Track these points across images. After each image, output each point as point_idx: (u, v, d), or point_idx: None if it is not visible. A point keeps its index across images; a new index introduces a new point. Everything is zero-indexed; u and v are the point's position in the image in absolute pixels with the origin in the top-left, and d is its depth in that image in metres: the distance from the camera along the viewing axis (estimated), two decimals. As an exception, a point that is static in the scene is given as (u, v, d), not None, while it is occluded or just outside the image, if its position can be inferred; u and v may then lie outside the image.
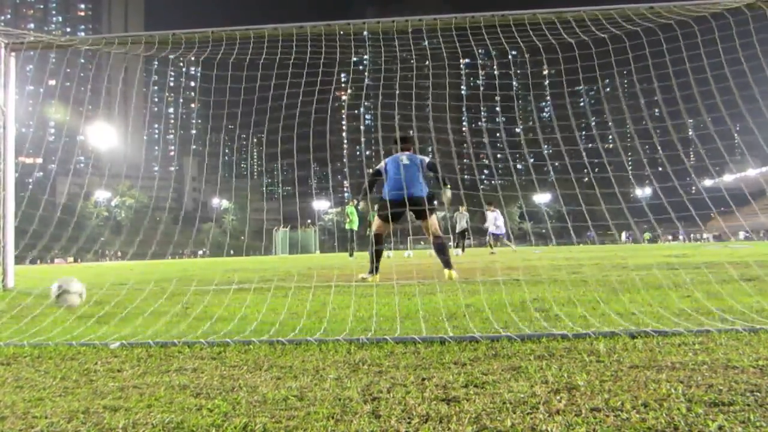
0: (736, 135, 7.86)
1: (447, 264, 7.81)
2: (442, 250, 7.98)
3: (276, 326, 3.57)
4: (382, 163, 8.22)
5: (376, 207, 8.43)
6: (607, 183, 6.93)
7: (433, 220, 7.90)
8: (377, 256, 8.01)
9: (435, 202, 8.12)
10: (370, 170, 8.43)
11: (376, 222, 8.17)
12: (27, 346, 3.15)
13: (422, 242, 51.88)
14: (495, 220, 22.90)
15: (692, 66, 6.56)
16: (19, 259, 8.52)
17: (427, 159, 8.17)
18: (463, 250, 23.68)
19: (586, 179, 7.36)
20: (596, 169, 7.17)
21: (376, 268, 7.91)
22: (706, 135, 6.64)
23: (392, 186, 7.88)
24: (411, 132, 8.17)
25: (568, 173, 7.06)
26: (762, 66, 6.32)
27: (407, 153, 8.23)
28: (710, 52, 6.45)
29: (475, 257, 16.96)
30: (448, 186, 8.15)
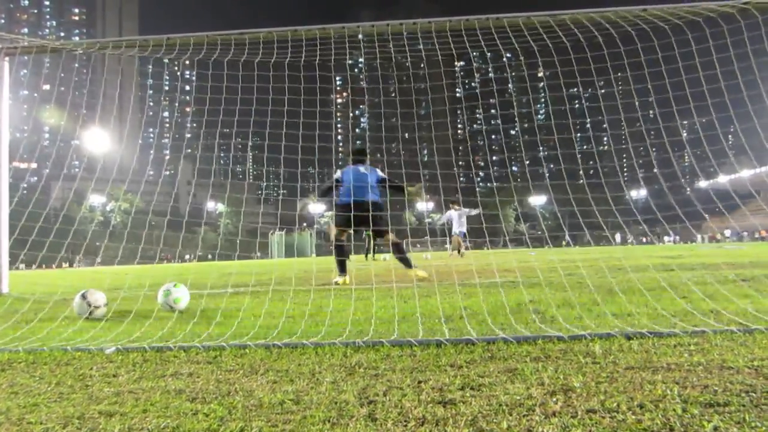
0: (730, 137, 7.90)
1: (407, 263, 7.96)
2: (399, 250, 8.13)
3: (275, 330, 3.56)
4: (339, 173, 8.43)
5: (332, 215, 8.59)
6: (602, 185, 6.96)
7: (388, 232, 8.10)
8: (341, 261, 8.10)
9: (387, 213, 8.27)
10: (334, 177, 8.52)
11: (334, 229, 8.30)
12: (22, 352, 3.14)
13: (418, 245, 51.93)
14: (459, 218, 22.82)
15: (686, 67, 6.59)
16: (12, 264, 8.49)
17: (379, 172, 8.37)
18: (460, 252, 23.70)
19: (581, 181, 7.38)
20: (591, 171, 7.19)
21: (343, 270, 7.98)
22: (706, 136, 6.67)
23: (348, 192, 8.06)
24: (367, 145, 8.41)
25: (563, 175, 7.08)
26: (754, 69, 6.36)
27: (363, 164, 8.46)
28: (704, 52, 6.48)
29: (473, 258, 16.96)
30: (405, 184, 8.32)
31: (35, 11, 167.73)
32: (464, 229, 22.70)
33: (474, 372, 2.34)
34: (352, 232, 8.44)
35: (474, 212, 22.13)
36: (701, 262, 9.85)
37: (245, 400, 2.05)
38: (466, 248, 23.45)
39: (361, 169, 8.30)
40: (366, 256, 20.99)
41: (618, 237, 53.56)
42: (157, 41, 7.30)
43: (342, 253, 8.19)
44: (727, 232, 61.78)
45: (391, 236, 8.08)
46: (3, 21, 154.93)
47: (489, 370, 2.36)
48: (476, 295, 5.26)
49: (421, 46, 7.85)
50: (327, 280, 8.18)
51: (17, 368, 2.80)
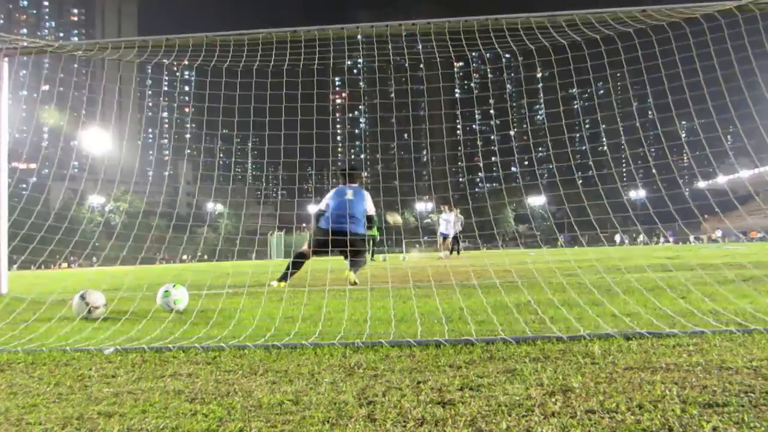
0: (729, 137, 7.90)
1: (354, 265, 7.97)
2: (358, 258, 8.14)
3: (271, 330, 3.56)
4: (326, 199, 8.40)
5: (313, 232, 8.52)
6: (600, 185, 6.96)
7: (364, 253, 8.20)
8: (294, 267, 8.11)
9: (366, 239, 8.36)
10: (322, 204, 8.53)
11: (306, 244, 8.38)
12: (21, 352, 3.14)
13: (416, 246, 51.92)
14: (447, 222, 22.94)
15: (684, 70, 6.59)
16: (11, 265, 8.48)
17: (369, 204, 8.42)
18: (458, 253, 23.75)
19: (581, 181, 7.38)
20: (590, 172, 7.19)
21: (287, 275, 7.94)
22: (705, 137, 6.67)
23: (329, 220, 8.09)
24: (359, 165, 8.47)
25: (562, 175, 7.08)
26: (753, 69, 6.37)
27: (354, 186, 8.46)
28: (702, 55, 6.49)
29: (470, 260, 16.97)
30: (390, 216, 8.38)
31: (34, 12, 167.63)
32: (450, 232, 22.81)
33: (473, 372, 2.34)
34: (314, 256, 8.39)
35: (453, 219, 22.38)
36: (700, 262, 9.85)
37: (244, 401, 2.05)
38: (456, 250, 23.56)
39: (348, 193, 8.27)
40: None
41: (618, 238, 53.59)
42: (156, 42, 7.30)
43: (297, 267, 8.18)
44: (718, 233, 61.86)
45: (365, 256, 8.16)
46: (2, 22, 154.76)
47: (488, 371, 2.36)
48: (475, 296, 5.26)
49: (420, 47, 7.86)
50: (325, 281, 8.18)
51: (16, 369, 2.79)
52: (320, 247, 7.93)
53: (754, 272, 6.52)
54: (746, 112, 6.22)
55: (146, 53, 7.44)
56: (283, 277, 7.92)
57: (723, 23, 6.40)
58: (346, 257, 7.85)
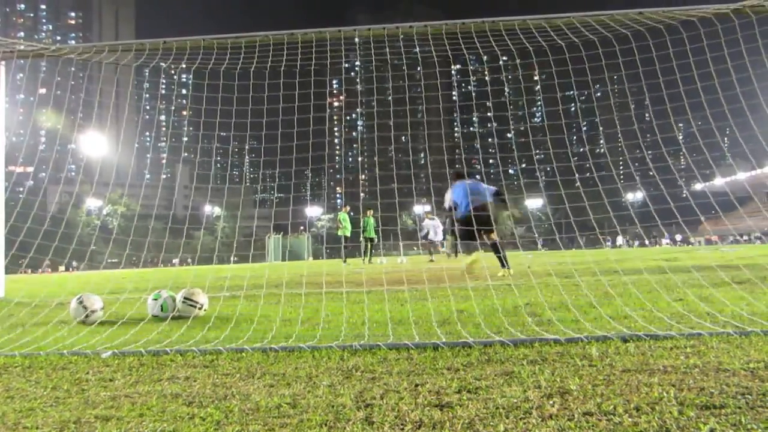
0: (726, 139, 7.92)
1: (502, 262, 8.61)
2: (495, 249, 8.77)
3: (270, 334, 3.56)
4: (449, 196, 8.95)
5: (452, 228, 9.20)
6: (598, 188, 6.96)
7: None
8: (501, 258, 8.73)
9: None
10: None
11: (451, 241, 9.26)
12: (18, 356, 3.13)
13: (414, 248, 51.89)
14: (435, 228, 23.24)
15: (680, 72, 6.61)
16: (9, 269, 8.46)
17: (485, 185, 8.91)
18: (456, 255, 23.74)
19: (578, 183, 7.39)
20: (587, 174, 7.21)
21: (502, 263, 8.66)
22: (703, 139, 6.68)
23: (463, 204, 8.60)
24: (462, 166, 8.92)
25: (560, 177, 7.08)
26: (749, 69, 6.39)
27: (468, 181, 8.93)
28: (699, 56, 6.51)
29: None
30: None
31: (31, 15, 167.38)
32: (440, 236, 23.21)
33: (471, 375, 2.34)
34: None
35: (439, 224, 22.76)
36: (696, 264, 9.86)
37: (242, 404, 2.05)
38: (455, 253, 23.75)
39: (468, 181, 8.81)
40: (363, 259, 21.00)
41: (619, 239, 53.70)
42: (153, 45, 7.29)
43: (499, 251, 8.75)
44: (701, 239, 62.05)
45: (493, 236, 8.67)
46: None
47: (486, 373, 2.36)
48: (471, 299, 5.26)
49: (417, 50, 7.87)
50: (322, 283, 8.18)
51: (13, 372, 2.79)
52: (467, 236, 8.52)
53: (749, 275, 6.53)
54: (744, 115, 6.25)
55: (143, 56, 7.43)
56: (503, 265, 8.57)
57: (720, 28, 6.42)
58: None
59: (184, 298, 4.79)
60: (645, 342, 2.88)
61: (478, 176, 9.22)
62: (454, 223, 8.84)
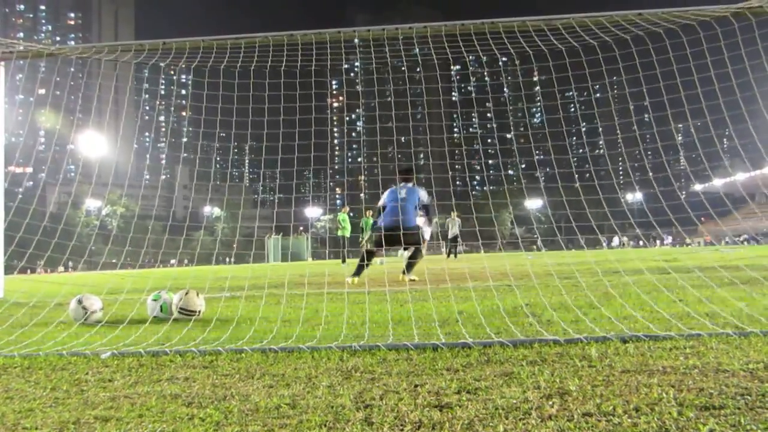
0: (725, 141, 7.93)
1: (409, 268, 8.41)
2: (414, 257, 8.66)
3: (269, 334, 3.56)
4: (383, 197, 8.91)
5: (371, 233, 9.07)
6: (597, 189, 6.97)
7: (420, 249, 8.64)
8: (360, 267, 8.65)
9: (425, 234, 8.83)
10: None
11: (370, 243, 8.88)
12: (17, 357, 3.13)
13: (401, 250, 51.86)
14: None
15: (680, 72, 6.62)
16: (8, 270, 8.46)
17: (423, 195, 8.84)
18: (455, 256, 23.77)
19: (576, 185, 7.40)
20: (587, 175, 7.21)
21: (357, 272, 8.54)
22: (701, 140, 6.70)
23: (388, 215, 8.54)
24: (415, 163, 8.89)
25: (559, 179, 7.09)
26: (748, 71, 6.39)
27: (408, 186, 8.87)
28: (698, 56, 6.51)
29: (467, 263, 16.96)
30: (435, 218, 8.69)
31: (31, 16, 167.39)
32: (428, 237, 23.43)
33: (470, 376, 2.34)
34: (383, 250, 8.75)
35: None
36: (697, 264, 9.87)
37: (241, 405, 2.05)
38: (453, 254, 23.88)
39: (402, 192, 8.68)
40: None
41: (616, 240, 53.68)
42: (152, 45, 7.29)
43: (365, 260, 8.72)
44: (669, 239, 62.18)
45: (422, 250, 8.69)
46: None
47: (485, 374, 2.36)
48: (472, 299, 5.26)
49: (417, 51, 7.87)
50: (322, 284, 8.18)
51: (12, 373, 2.79)
52: (378, 244, 8.54)
53: (751, 275, 6.53)
54: (742, 116, 6.25)
55: (142, 56, 7.43)
56: (356, 274, 8.48)
57: (719, 31, 6.42)
58: (401, 245, 8.41)
59: (180, 308, 4.72)
60: (644, 342, 2.88)
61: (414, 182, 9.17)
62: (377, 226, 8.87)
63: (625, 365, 2.41)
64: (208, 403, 2.10)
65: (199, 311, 4.75)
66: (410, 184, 8.97)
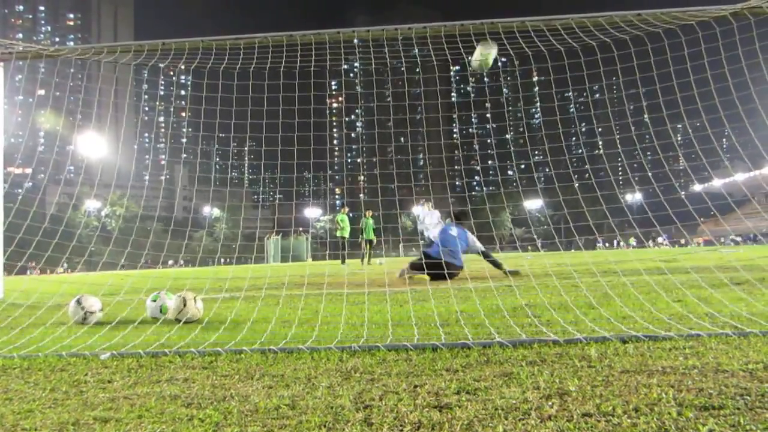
0: (724, 141, 7.93)
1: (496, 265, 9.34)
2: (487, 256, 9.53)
3: (267, 334, 3.56)
4: (436, 230, 9.95)
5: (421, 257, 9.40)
6: (596, 189, 6.98)
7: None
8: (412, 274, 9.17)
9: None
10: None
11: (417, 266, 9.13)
12: (16, 358, 3.13)
13: (413, 249, 51.90)
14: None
15: (677, 74, 6.62)
16: (8, 270, 8.45)
17: (471, 239, 9.44)
18: (369, 262, 23.77)
19: (577, 185, 7.40)
20: (586, 175, 7.22)
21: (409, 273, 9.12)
22: (699, 140, 6.69)
23: (438, 246, 9.04)
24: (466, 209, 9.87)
25: (558, 180, 7.09)
26: (745, 72, 6.40)
27: (459, 228, 9.40)
28: (695, 57, 6.52)
29: (467, 263, 16.92)
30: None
31: (30, 17, 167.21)
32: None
33: (470, 376, 2.34)
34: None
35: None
36: (695, 265, 9.87)
37: (241, 406, 2.05)
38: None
39: (453, 230, 9.25)
40: (362, 261, 21.00)
41: (615, 241, 53.68)
42: (152, 46, 7.29)
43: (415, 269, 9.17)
44: (660, 239, 62.04)
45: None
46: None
47: (485, 374, 2.36)
48: (471, 300, 5.26)
49: (416, 51, 7.87)
50: (321, 284, 8.18)
51: (12, 374, 2.78)
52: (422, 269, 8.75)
53: (748, 276, 6.53)
54: (740, 116, 6.25)
55: (142, 57, 7.43)
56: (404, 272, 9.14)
57: (718, 31, 6.43)
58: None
59: (176, 320, 4.68)
60: (644, 343, 2.88)
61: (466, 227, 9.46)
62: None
63: (624, 365, 2.41)
64: (208, 403, 2.09)
65: (197, 316, 4.75)
66: (462, 227, 9.52)
